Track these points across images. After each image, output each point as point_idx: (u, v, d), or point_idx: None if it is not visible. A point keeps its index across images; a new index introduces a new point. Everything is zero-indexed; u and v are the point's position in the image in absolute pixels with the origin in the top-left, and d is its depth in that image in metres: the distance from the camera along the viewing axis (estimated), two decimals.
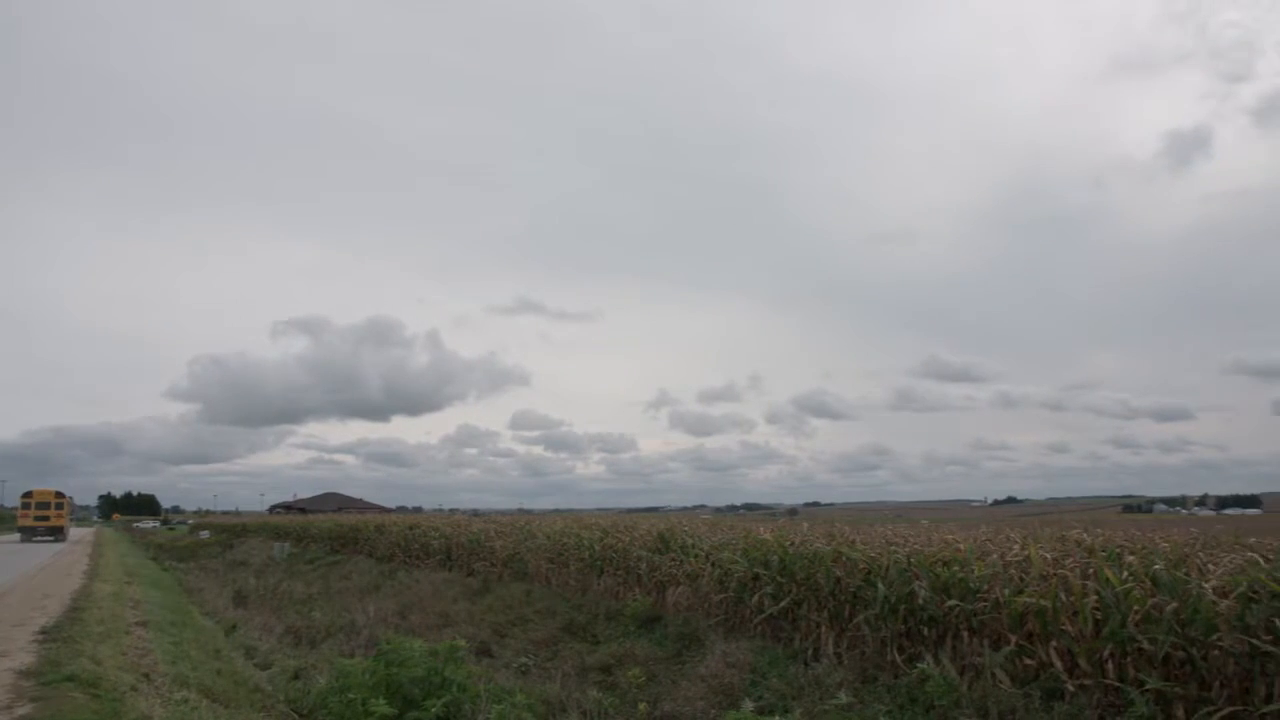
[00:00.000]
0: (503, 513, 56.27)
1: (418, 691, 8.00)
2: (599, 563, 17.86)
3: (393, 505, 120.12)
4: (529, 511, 71.94)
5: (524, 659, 12.28)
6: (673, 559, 15.44)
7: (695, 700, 9.36)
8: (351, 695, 7.80)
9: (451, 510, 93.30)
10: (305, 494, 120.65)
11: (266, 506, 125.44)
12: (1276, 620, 6.88)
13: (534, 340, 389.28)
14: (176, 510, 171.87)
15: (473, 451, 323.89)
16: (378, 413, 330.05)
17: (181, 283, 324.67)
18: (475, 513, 69.60)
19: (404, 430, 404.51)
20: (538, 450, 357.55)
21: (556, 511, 71.17)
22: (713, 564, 13.86)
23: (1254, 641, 6.81)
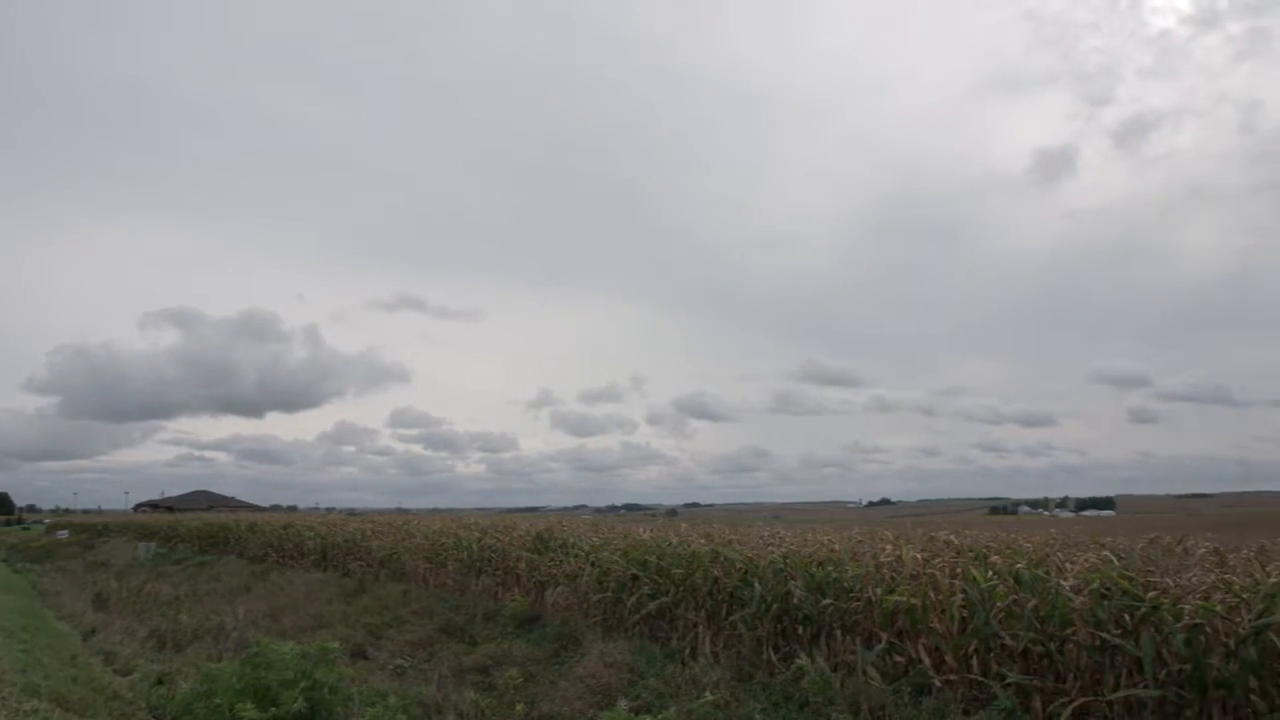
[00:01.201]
0: (381, 512, 55.16)
1: (287, 695, 7.76)
2: (478, 563, 17.65)
3: (266, 504, 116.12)
4: (407, 511, 70.50)
5: (400, 660, 12.04)
6: (552, 559, 15.36)
7: (573, 700, 9.33)
8: (218, 700, 7.49)
9: (328, 509, 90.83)
10: (174, 492, 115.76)
11: (131, 505, 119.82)
12: (1126, 615, 7.26)
13: (415, 337, 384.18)
14: (32, 509, 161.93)
15: (350, 449, 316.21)
16: (252, 409, 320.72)
17: (40, 269, 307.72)
18: (352, 512, 67.91)
19: (279, 427, 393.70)
20: (417, 449, 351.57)
21: (436, 511, 70.04)
22: (592, 564, 13.84)
23: (1104, 635, 7.17)
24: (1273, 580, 7.27)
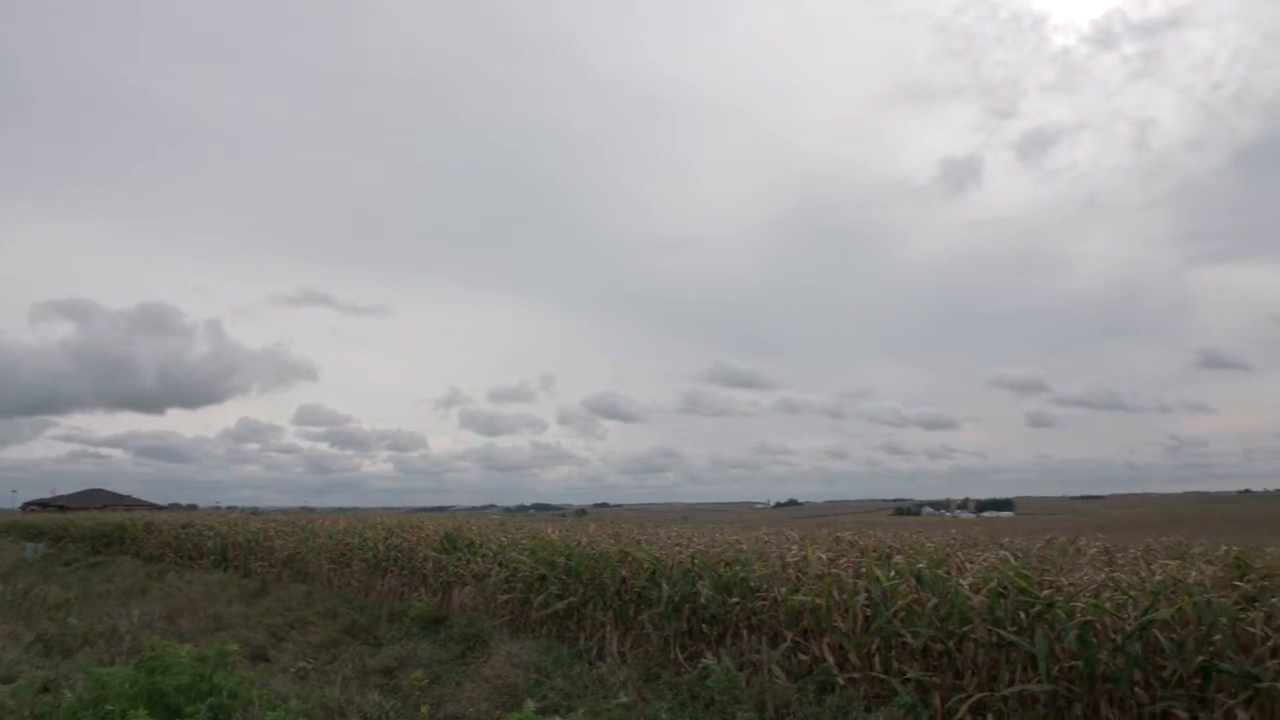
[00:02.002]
0: (285, 511, 53.71)
1: (183, 700, 7.49)
2: (384, 563, 17.36)
3: (165, 503, 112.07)
4: (313, 510, 68.97)
5: (302, 663, 11.75)
6: (459, 559, 15.19)
7: (479, 701, 9.22)
8: (109, 707, 7.18)
9: (230, 508, 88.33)
10: (66, 490, 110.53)
11: (19, 504, 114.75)
12: (1021, 613, 7.46)
13: (322, 333, 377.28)
14: None
15: (254, 447, 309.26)
16: (151, 405, 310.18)
17: None
18: (255, 511, 66.15)
19: (179, 424, 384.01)
20: (323, 447, 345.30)
21: (341, 510, 68.84)
22: (500, 564, 13.72)
23: (1001, 632, 7.36)
24: (1157, 578, 7.57)
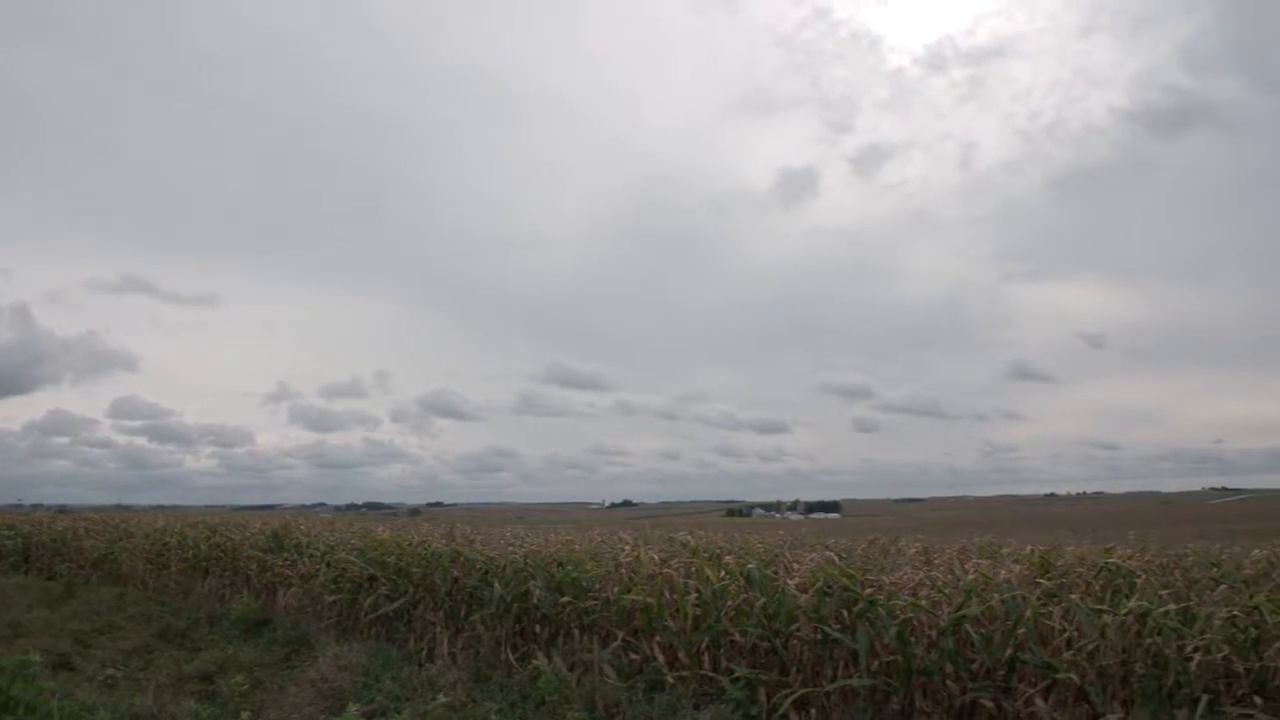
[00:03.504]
0: (97, 509, 50.42)
1: None
2: (204, 563, 16.52)
3: None
4: (128, 508, 65.06)
5: (111, 670, 11.01)
6: (286, 559, 14.60)
7: (303, 706, 8.87)
8: None
9: (34, 506, 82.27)
10: None
11: None
12: (845, 611, 7.72)
13: (143, 322, 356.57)
14: None
15: (64, 441, 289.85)
16: None
17: None
18: (63, 509, 61.72)
19: None
20: (141, 441, 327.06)
21: (160, 508, 65.17)
22: (328, 564, 13.25)
23: (825, 629, 7.59)
24: (970, 577, 7.97)
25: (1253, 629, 6.51)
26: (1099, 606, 7.00)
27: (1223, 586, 7.62)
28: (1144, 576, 7.92)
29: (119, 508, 69.44)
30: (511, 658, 9.70)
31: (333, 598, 12.66)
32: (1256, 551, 10.29)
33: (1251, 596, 7.06)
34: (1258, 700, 5.95)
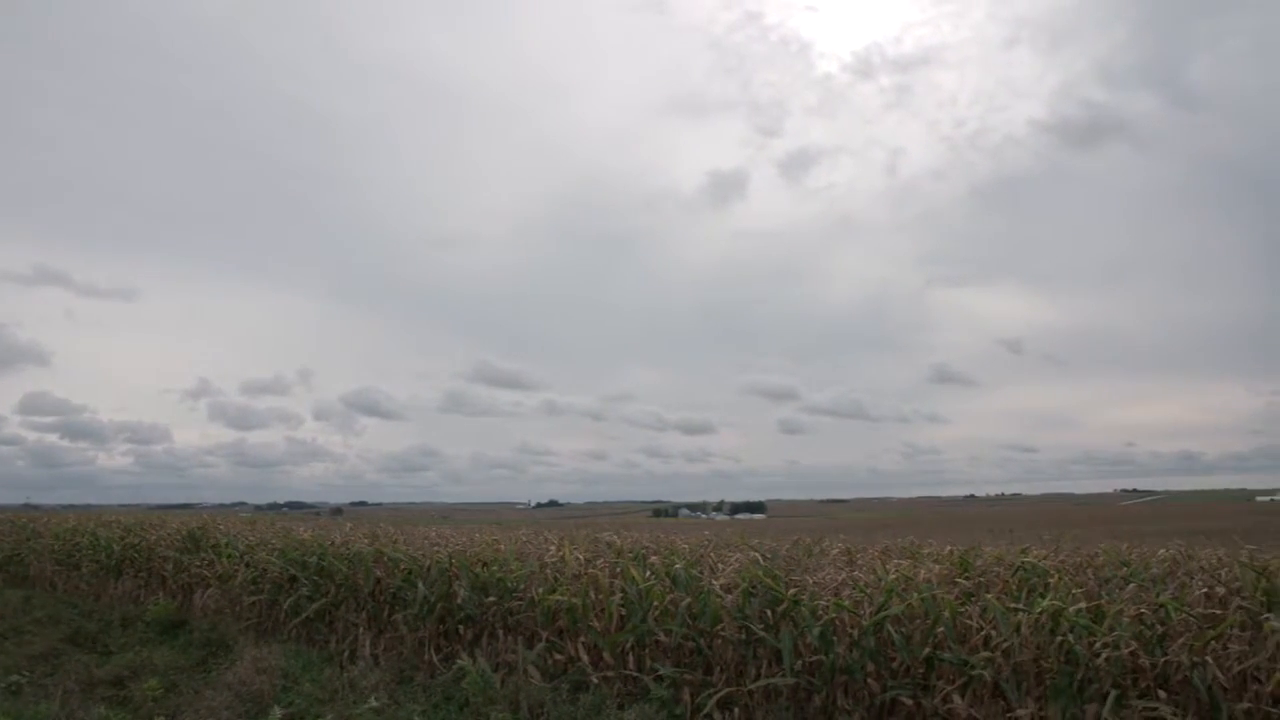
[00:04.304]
0: (3, 508, 48.62)
1: None
2: (118, 564, 16.08)
3: None
4: (37, 507, 62.99)
5: (15, 676, 10.62)
6: (204, 559, 14.29)
7: (220, 710, 8.67)
8: None
9: None
10: None
11: None
12: (769, 611, 7.79)
13: (56, 315, 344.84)
14: None
15: None
16: None
17: None
18: None
19: None
20: (52, 438, 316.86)
21: (71, 508, 63.23)
22: (247, 564, 13.00)
23: (750, 629, 7.66)
24: (891, 577, 8.10)
25: (1159, 626, 6.72)
26: (1015, 605, 7.16)
27: (1131, 585, 7.86)
28: (1058, 576, 8.13)
29: (27, 507, 67.19)
30: (435, 659, 9.61)
31: (252, 599, 12.41)
32: (1163, 551, 10.63)
33: (1158, 595, 7.29)
34: (1162, 694, 6.16)
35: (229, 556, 13.73)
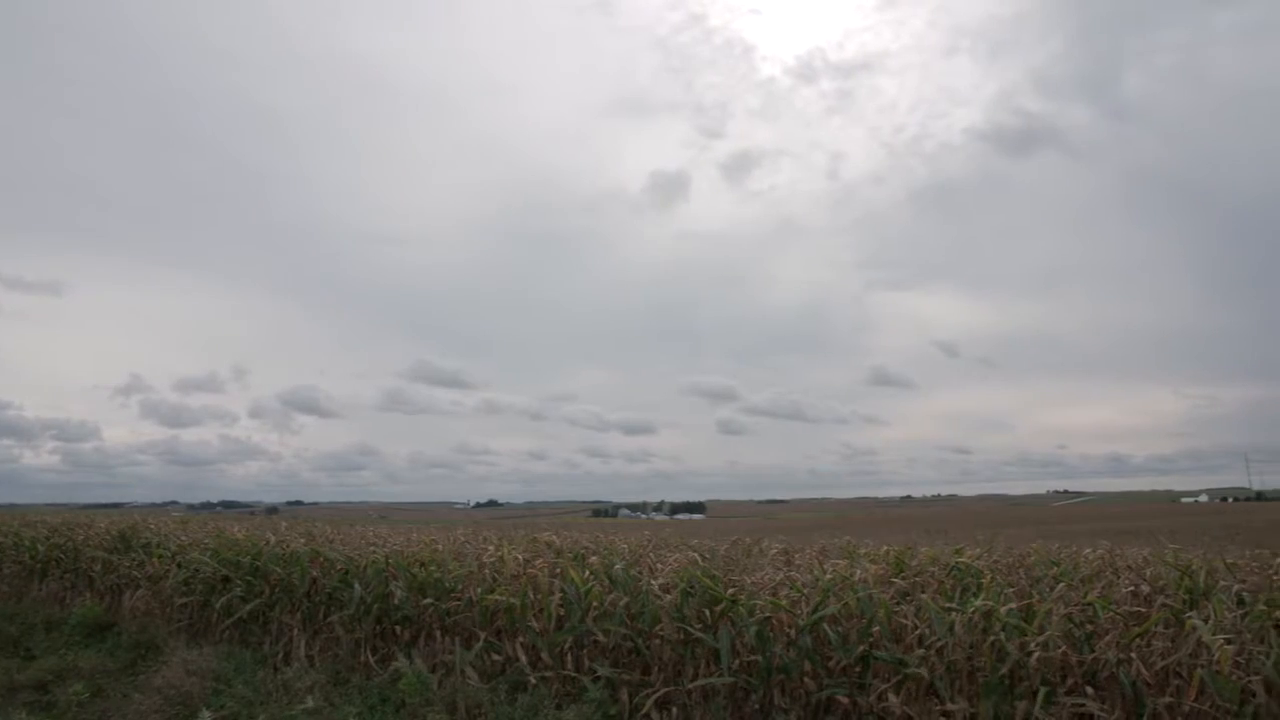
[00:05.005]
0: None
1: None
2: (42, 565, 15.61)
3: None
4: None
5: None
6: (133, 559, 13.92)
7: (149, 714, 8.48)
8: None
9: None
10: None
11: None
12: (707, 611, 7.83)
13: None
14: None
15: None
16: None
17: None
18: None
19: None
20: None
21: None
22: (179, 564, 12.67)
23: (688, 629, 7.68)
24: (828, 577, 8.19)
25: (1087, 624, 6.88)
26: (949, 605, 7.27)
27: (1061, 585, 8.01)
28: (990, 576, 8.28)
29: None
30: (371, 660, 9.50)
31: (184, 600, 12.14)
32: (1090, 551, 10.89)
33: (1086, 594, 7.47)
34: (1090, 690, 6.31)
35: (160, 556, 13.40)
